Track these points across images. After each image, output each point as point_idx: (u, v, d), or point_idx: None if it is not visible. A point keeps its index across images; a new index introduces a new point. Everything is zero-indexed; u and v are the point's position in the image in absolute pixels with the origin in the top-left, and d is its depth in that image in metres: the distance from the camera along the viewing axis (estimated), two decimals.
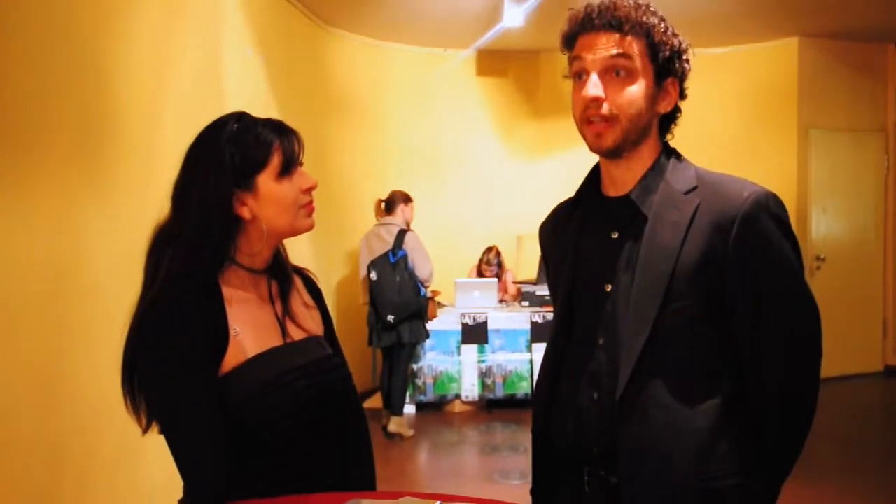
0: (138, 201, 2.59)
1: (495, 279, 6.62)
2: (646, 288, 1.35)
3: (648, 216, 1.39)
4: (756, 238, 1.33)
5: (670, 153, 1.46)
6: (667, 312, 1.33)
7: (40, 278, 2.02)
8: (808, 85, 7.09)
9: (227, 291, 1.38)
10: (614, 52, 1.36)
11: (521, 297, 6.48)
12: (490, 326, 6.15)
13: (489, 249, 6.85)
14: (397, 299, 5.29)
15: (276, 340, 1.42)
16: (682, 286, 1.33)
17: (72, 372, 2.15)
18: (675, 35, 1.42)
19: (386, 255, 5.36)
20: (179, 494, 3.23)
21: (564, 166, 7.69)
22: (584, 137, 1.42)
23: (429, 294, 5.66)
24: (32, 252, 2.00)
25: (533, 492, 1.55)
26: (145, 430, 1.40)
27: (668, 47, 1.39)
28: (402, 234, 5.40)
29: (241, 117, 1.42)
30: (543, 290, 6.40)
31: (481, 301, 6.36)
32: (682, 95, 1.45)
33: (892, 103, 7.39)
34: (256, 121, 1.42)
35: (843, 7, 6.24)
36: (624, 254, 1.41)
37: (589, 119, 1.38)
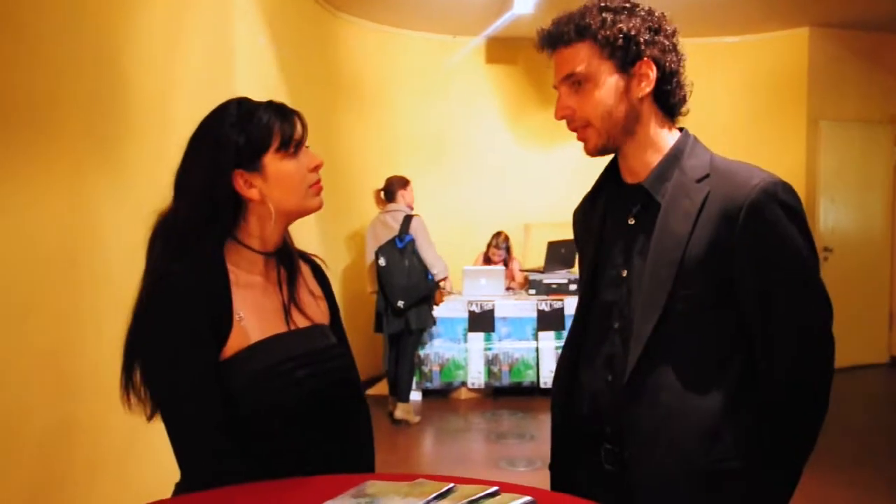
0: (149, 183, 2.62)
1: (502, 267, 6.63)
2: (656, 274, 1.38)
3: (661, 204, 1.41)
4: (762, 226, 1.33)
5: (688, 140, 1.47)
6: (676, 298, 1.36)
7: (54, 259, 2.04)
8: (819, 75, 7.05)
9: (234, 275, 1.39)
10: (563, 72, 1.42)
11: (528, 285, 6.49)
12: (497, 314, 6.16)
13: (498, 234, 6.84)
14: (406, 284, 5.30)
15: (279, 327, 1.42)
16: (691, 273, 1.36)
17: (83, 355, 2.17)
18: (630, 17, 1.40)
19: (392, 240, 5.38)
20: None
21: (573, 155, 7.63)
22: None
23: (442, 286, 5.68)
24: (46, 232, 2.01)
25: (552, 467, 1.59)
26: (150, 417, 1.40)
27: (618, 38, 1.38)
28: (408, 219, 5.41)
29: (241, 102, 1.43)
30: (550, 279, 6.41)
31: (488, 289, 6.38)
32: (668, 68, 1.42)
33: None
34: (258, 104, 1.43)
35: None
36: (639, 240, 1.44)
37: (571, 129, 1.45)
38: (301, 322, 1.46)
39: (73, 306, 2.14)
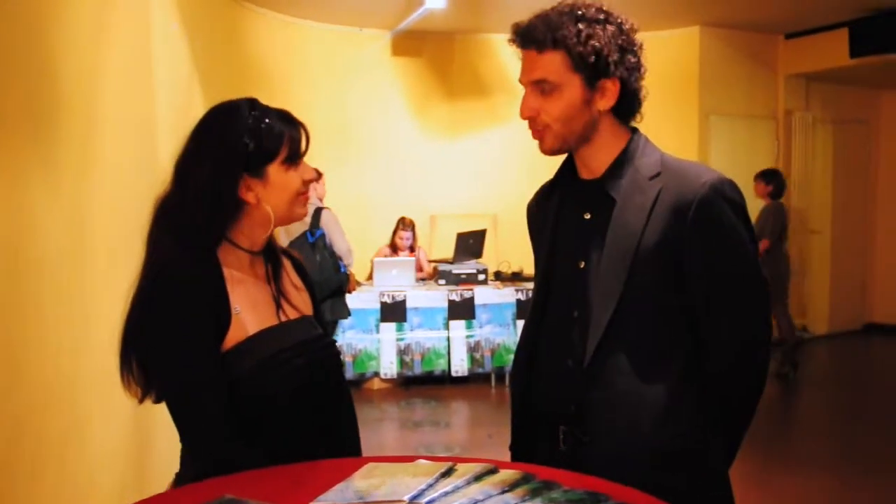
0: (80, 171, 2.62)
1: (412, 258, 6.71)
2: (612, 265, 1.47)
3: (616, 199, 1.51)
4: (711, 220, 1.44)
5: (639, 140, 1.57)
6: (631, 287, 1.45)
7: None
8: (708, 72, 7.46)
9: (227, 271, 1.44)
10: (534, 77, 1.48)
11: (438, 275, 6.61)
12: (408, 305, 6.26)
13: (402, 219, 6.88)
14: (318, 278, 5.32)
15: (272, 319, 1.49)
16: (644, 264, 1.45)
17: (25, 347, 2.17)
18: (604, 31, 1.45)
19: (304, 235, 5.38)
20: (120, 471, 3.23)
21: (477, 147, 7.83)
22: None
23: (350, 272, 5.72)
24: None
25: (512, 448, 1.66)
26: (141, 400, 1.44)
27: (590, 54, 1.44)
28: (318, 212, 5.42)
29: (254, 105, 1.48)
30: (460, 269, 6.56)
31: (399, 279, 6.46)
32: (631, 86, 1.51)
33: (781, 92, 7.87)
34: (269, 110, 1.48)
35: None
36: (595, 233, 1.52)
37: (532, 128, 1.53)
38: (291, 314, 1.54)
39: (15, 298, 2.13)
